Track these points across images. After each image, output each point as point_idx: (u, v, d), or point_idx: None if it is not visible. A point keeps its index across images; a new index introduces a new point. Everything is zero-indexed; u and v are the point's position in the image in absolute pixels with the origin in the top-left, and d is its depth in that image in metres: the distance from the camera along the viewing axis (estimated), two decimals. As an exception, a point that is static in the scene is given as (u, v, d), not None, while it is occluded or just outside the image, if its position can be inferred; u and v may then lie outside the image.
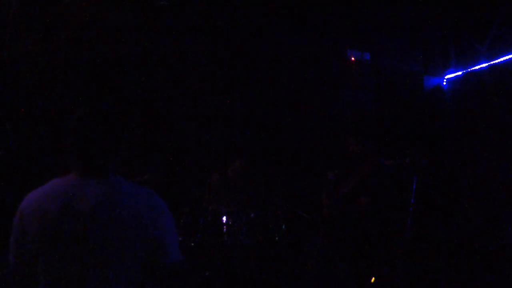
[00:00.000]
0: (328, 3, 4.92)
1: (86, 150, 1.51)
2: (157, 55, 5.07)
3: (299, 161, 5.36)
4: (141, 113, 5.04)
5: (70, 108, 4.65)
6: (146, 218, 1.46)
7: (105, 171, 1.51)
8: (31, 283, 1.48)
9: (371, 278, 3.60)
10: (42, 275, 1.44)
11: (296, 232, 4.30)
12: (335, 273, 3.82)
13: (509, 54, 4.73)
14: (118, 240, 1.42)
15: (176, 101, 5.19)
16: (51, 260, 1.42)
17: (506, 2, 4.67)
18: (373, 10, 5.05)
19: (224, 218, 4.11)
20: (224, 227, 4.09)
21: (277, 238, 4.11)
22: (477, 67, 5.25)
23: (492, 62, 4.98)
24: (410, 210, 3.49)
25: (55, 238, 1.42)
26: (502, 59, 4.84)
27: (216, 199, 4.51)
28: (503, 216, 4.50)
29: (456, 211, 5.06)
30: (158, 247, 1.48)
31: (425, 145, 5.38)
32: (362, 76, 5.71)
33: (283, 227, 4.16)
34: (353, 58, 5.66)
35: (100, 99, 4.66)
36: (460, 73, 5.61)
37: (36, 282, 1.47)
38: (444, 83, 5.87)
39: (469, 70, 5.42)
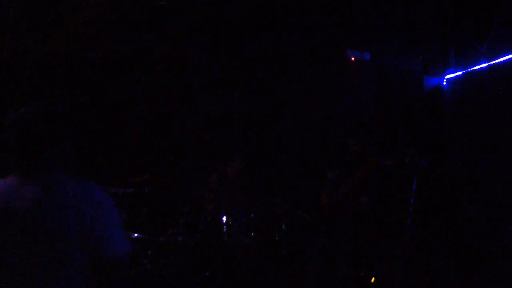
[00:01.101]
0: (328, 3, 4.92)
1: (24, 150, 1.51)
2: (157, 55, 5.07)
3: (299, 161, 5.36)
4: (141, 113, 5.04)
5: (70, 108, 4.66)
6: (86, 216, 1.44)
7: (44, 169, 1.50)
8: None
9: (371, 278, 3.60)
10: None
11: (296, 232, 4.30)
12: (335, 273, 3.82)
13: (509, 54, 4.73)
14: (57, 239, 1.41)
15: (176, 101, 5.19)
16: (1, 259, 1.41)
17: (506, 2, 4.67)
18: (373, 10, 5.05)
19: (224, 218, 4.11)
20: (224, 227, 4.09)
21: (277, 238, 4.11)
22: (477, 67, 5.25)
23: (492, 62, 4.98)
24: (410, 210, 3.49)
25: (1, 238, 1.41)
26: (502, 59, 4.84)
27: (216, 199, 4.51)
28: (503, 216, 4.50)
29: (456, 211, 5.06)
30: (102, 243, 1.47)
31: (425, 145, 5.39)
32: (362, 76, 5.70)
33: (283, 227, 4.16)
34: (353, 58, 5.66)
35: (98, 98, 4.66)
36: (460, 73, 5.61)
37: None
38: (444, 83, 5.87)
39: (469, 70, 5.42)
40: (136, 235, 3.68)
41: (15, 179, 1.49)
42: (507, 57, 4.77)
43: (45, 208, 1.42)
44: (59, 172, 1.52)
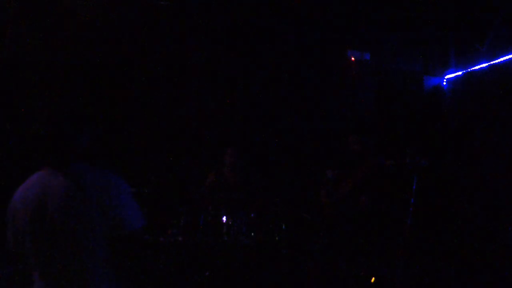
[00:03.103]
0: (329, 3, 4.92)
1: (54, 146, 1.79)
2: (157, 55, 5.07)
3: (299, 161, 5.36)
4: (140, 112, 5.03)
5: (70, 108, 4.66)
6: (106, 198, 1.72)
7: (70, 162, 1.77)
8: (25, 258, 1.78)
9: (371, 278, 3.60)
10: (28, 251, 1.74)
11: (296, 232, 4.30)
12: (335, 273, 3.82)
13: (509, 54, 4.73)
14: (84, 220, 1.69)
15: (176, 101, 5.19)
16: (33, 239, 1.72)
17: (506, 2, 4.67)
18: (373, 10, 5.05)
19: (224, 218, 4.11)
20: (224, 227, 4.09)
21: (277, 238, 4.11)
22: (477, 67, 5.25)
23: (492, 62, 4.98)
24: (410, 210, 3.49)
25: (35, 221, 1.71)
26: (502, 59, 4.84)
27: (216, 199, 4.51)
28: (503, 216, 4.50)
29: (456, 211, 5.06)
30: (121, 220, 1.75)
31: (425, 145, 5.39)
32: (362, 76, 5.70)
33: (283, 227, 4.16)
34: (353, 58, 5.66)
35: (96, 98, 4.66)
36: (460, 73, 5.61)
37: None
38: (444, 83, 5.87)
39: (469, 70, 5.42)
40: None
41: (46, 172, 1.78)
42: (507, 57, 4.77)
43: (74, 195, 1.70)
44: (82, 164, 1.79)
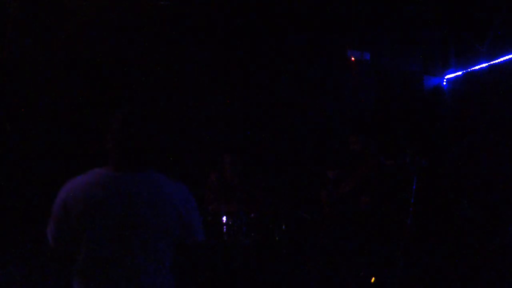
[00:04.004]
0: (328, 3, 4.92)
1: (127, 147, 1.70)
2: (157, 55, 5.07)
3: (299, 161, 5.36)
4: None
5: (70, 108, 4.67)
6: (179, 207, 1.71)
7: (141, 166, 1.72)
8: (70, 261, 1.67)
9: (371, 278, 3.60)
10: (84, 253, 1.62)
11: (296, 232, 4.30)
12: (335, 273, 3.82)
13: (509, 54, 4.73)
14: (154, 226, 1.64)
15: (176, 101, 5.19)
16: (95, 240, 1.60)
17: (506, 2, 4.67)
18: (373, 10, 5.05)
19: (224, 218, 4.11)
20: (224, 227, 4.09)
21: (277, 238, 4.11)
22: (477, 67, 5.25)
23: (492, 62, 4.98)
24: (410, 210, 3.49)
25: (99, 221, 1.60)
26: (502, 59, 4.83)
27: (216, 199, 4.51)
28: (503, 216, 4.50)
29: (456, 211, 5.06)
30: (189, 229, 1.77)
31: (425, 145, 5.38)
32: (362, 76, 5.70)
33: (283, 227, 4.16)
34: (353, 58, 5.66)
35: (101, 98, 4.66)
36: (460, 73, 5.61)
37: (74, 260, 1.65)
38: (444, 83, 5.87)
39: (469, 70, 5.42)
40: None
41: (114, 172, 1.68)
42: (507, 57, 4.76)
43: (145, 198, 1.64)
44: (151, 170, 1.75)
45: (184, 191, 1.79)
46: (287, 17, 5.13)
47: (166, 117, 5.15)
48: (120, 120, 1.71)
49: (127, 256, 1.61)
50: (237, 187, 4.59)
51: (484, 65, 5.11)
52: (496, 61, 4.91)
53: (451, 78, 5.77)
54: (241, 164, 4.69)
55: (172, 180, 1.79)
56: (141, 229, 1.62)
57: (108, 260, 1.61)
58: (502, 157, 4.69)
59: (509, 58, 4.74)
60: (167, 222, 1.68)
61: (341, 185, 3.89)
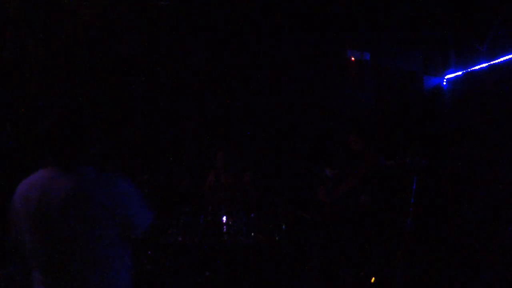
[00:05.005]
0: (328, 3, 4.92)
1: (57, 147, 1.76)
2: (157, 55, 5.07)
3: (299, 161, 5.36)
4: (141, 113, 5.03)
5: (70, 109, 4.66)
6: (112, 202, 1.72)
7: (76, 164, 1.75)
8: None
9: (371, 278, 3.60)
10: (28, 250, 1.73)
11: (296, 232, 4.30)
12: (335, 273, 3.82)
13: (509, 54, 4.73)
14: (88, 222, 1.68)
15: (176, 101, 5.19)
16: (34, 239, 1.70)
17: (506, 2, 4.66)
18: (373, 10, 5.04)
19: (224, 218, 4.11)
20: (224, 227, 4.09)
21: (277, 238, 4.11)
22: (477, 67, 5.24)
23: (492, 62, 4.98)
24: (410, 210, 3.49)
25: (36, 221, 1.69)
26: (502, 59, 4.83)
27: (216, 198, 4.51)
28: (503, 216, 4.50)
29: (456, 211, 5.06)
30: (129, 224, 1.78)
31: (425, 145, 5.38)
32: (362, 76, 5.70)
33: (283, 227, 4.16)
34: (353, 58, 5.66)
35: (98, 99, 4.66)
36: (460, 73, 5.60)
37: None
38: (444, 83, 5.87)
39: (469, 70, 5.42)
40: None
41: (51, 171, 1.75)
42: (507, 57, 4.76)
43: (75, 197, 1.68)
44: (88, 167, 1.77)
45: (112, 181, 1.78)
46: (287, 17, 5.13)
47: (166, 117, 5.15)
48: (51, 119, 1.77)
49: (64, 258, 1.68)
50: (231, 187, 4.60)
51: (484, 65, 5.11)
52: (496, 61, 4.90)
53: (451, 78, 5.77)
54: (233, 165, 4.71)
55: (105, 173, 1.79)
56: (70, 228, 1.66)
57: (47, 262, 1.69)
58: (502, 157, 4.69)
59: (509, 58, 4.73)
60: (95, 220, 1.69)
61: (341, 184, 3.88)
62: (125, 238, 1.80)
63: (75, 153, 1.76)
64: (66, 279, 1.69)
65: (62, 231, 1.67)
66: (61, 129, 1.75)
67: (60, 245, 1.68)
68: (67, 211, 1.67)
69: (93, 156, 1.80)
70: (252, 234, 4.09)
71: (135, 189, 1.83)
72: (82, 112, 1.82)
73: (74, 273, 1.69)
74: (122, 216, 1.74)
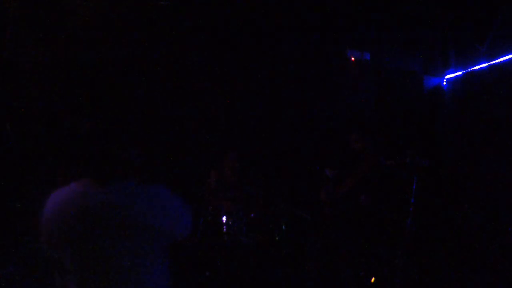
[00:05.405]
0: (328, 3, 4.92)
1: (98, 159, 1.66)
2: (157, 55, 5.07)
3: (299, 161, 5.36)
4: (141, 113, 5.03)
5: (70, 109, 4.67)
6: (159, 217, 1.66)
7: (116, 178, 1.67)
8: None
9: (371, 278, 3.60)
10: (74, 269, 1.61)
11: (296, 232, 4.30)
12: (335, 273, 3.82)
13: (509, 54, 4.73)
14: (134, 237, 1.61)
15: (176, 101, 5.19)
16: (76, 259, 1.60)
17: (506, 2, 4.67)
18: (373, 10, 5.05)
19: (224, 218, 4.11)
20: (224, 227, 4.09)
21: (277, 238, 4.11)
22: (477, 67, 5.24)
23: (492, 62, 4.98)
24: (410, 210, 3.49)
25: (77, 241, 1.58)
26: (502, 59, 4.83)
27: (216, 199, 4.51)
28: (503, 216, 4.50)
29: (456, 211, 5.06)
30: (170, 236, 1.73)
31: (425, 145, 5.38)
32: (362, 76, 5.70)
33: (283, 227, 4.16)
34: (353, 58, 5.66)
35: (101, 101, 4.66)
36: (460, 73, 5.60)
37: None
38: (444, 83, 5.87)
39: (469, 70, 5.42)
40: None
41: (90, 186, 1.64)
42: (507, 57, 4.76)
43: (121, 213, 1.60)
44: (127, 180, 1.69)
45: (161, 199, 1.73)
46: (287, 17, 5.13)
47: (166, 117, 5.15)
48: (88, 132, 1.70)
49: (109, 273, 1.61)
50: (236, 185, 4.59)
51: (484, 65, 5.11)
52: (496, 61, 4.90)
53: (451, 78, 5.77)
54: (241, 166, 4.70)
55: (149, 188, 1.73)
56: (116, 252, 1.60)
57: (90, 278, 1.61)
58: (502, 157, 4.69)
59: (509, 58, 4.73)
60: (144, 240, 1.64)
61: (341, 184, 3.89)
62: (165, 248, 1.76)
63: (117, 165, 1.70)
64: None
65: (108, 247, 1.61)
66: (104, 140, 1.69)
67: (105, 261, 1.61)
68: (111, 227, 1.60)
69: (133, 168, 1.75)
70: (252, 234, 4.09)
71: (176, 200, 1.79)
72: (125, 120, 1.78)
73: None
74: (165, 229, 1.70)
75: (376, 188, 3.66)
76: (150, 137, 5.01)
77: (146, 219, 1.64)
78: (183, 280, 3.90)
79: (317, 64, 5.61)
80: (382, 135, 5.06)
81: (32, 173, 4.28)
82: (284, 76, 5.52)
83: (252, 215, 4.16)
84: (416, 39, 5.69)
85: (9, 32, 4.42)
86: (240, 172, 4.69)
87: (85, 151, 1.68)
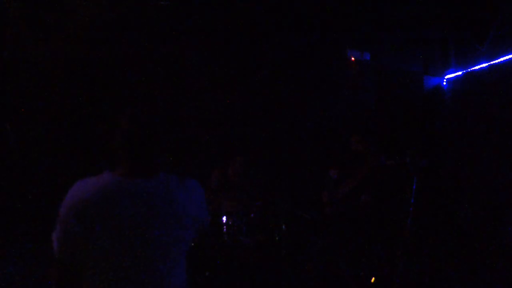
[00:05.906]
0: (328, 3, 4.92)
1: (136, 150, 1.67)
2: (157, 55, 5.07)
3: (299, 161, 5.36)
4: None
5: (70, 109, 4.67)
6: (193, 210, 1.72)
7: (152, 169, 1.68)
8: (75, 274, 1.57)
9: (371, 278, 3.60)
10: (92, 262, 1.53)
11: (296, 232, 4.30)
12: (335, 273, 3.82)
13: (509, 54, 4.73)
14: (169, 232, 1.62)
15: (176, 101, 5.19)
16: (105, 249, 1.52)
17: (506, 2, 4.67)
18: (373, 10, 5.05)
19: (224, 218, 4.11)
20: (224, 227, 4.09)
21: (277, 238, 4.11)
22: (477, 67, 5.25)
23: (492, 62, 4.98)
24: (410, 210, 3.49)
25: (110, 229, 1.52)
26: (502, 59, 4.83)
27: (216, 199, 4.51)
28: (503, 216, 4.50)
29: (456, 211, 5.06)
30: (201, 228, 1.81)
31: (425, 145, 5.38)
32: (362, 76, 5.70)
33: (283, 227, 4.16)
34: (353, 58, 5.66)
35: (102, 99, 4.66)
36: (460, 73, 5.61)
37: (79, 273, 1.56)
38: (444, 83, 5.87)
39: (469, 70, 5.42)
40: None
41: (124, 176, 1.62)
42: (507, 57, 4.76)
43: (159, 205, 1.61)
44: (162, 173, 1.71)
45: (196, 190, 1.80)
46: (287, 17, 5.13)
47: (166, 117, 5.15)
48: (129, 122, 1.70)
49: (141, 266, 1.56)
50: (239, 187, 4.59)
51: (484, 65, 5.11)
52: (496, 61, 4.91)
53: (451, 78, 5.78)
54: (247, 170, 4.70)
55: (183, 179, 1.77)
56: (156, 237, 1.59)
57: (121, 271, 1.54)
58: (502, 157, 4.69)
59: (509, 58, 4.74)
60: (182, 227, 1.67)
61: (342, 185, 3.89)
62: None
63: (152, 157, 1.71)
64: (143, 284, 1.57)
65: (147, 241, 1.57)
66: (142, 132, 1.70)
67: (145, 250, 1.57)
68: (152, 218, 1.58)
69: (163, 162, 1.77)
70: (252, 234, 4.09)
71: (202, 189, 1.85)
72: (160, 114, 1.80)
73: (151, 278, 1.58)
74: (198, 220, 1.76)
75: (377, 188, 3.66)
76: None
77: (185, 208, 1.68)
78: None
79: (317, 64, 5.61)
80: (382, 135, 5.07)
81: (32, 173, 4.28)
82: (284, 76, 5.52)
83: (252, 215, 4.16)
84: (416, 39, 5.69)
85: (9, 32, 4.42)
86: (242, 173, 4.69)
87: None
